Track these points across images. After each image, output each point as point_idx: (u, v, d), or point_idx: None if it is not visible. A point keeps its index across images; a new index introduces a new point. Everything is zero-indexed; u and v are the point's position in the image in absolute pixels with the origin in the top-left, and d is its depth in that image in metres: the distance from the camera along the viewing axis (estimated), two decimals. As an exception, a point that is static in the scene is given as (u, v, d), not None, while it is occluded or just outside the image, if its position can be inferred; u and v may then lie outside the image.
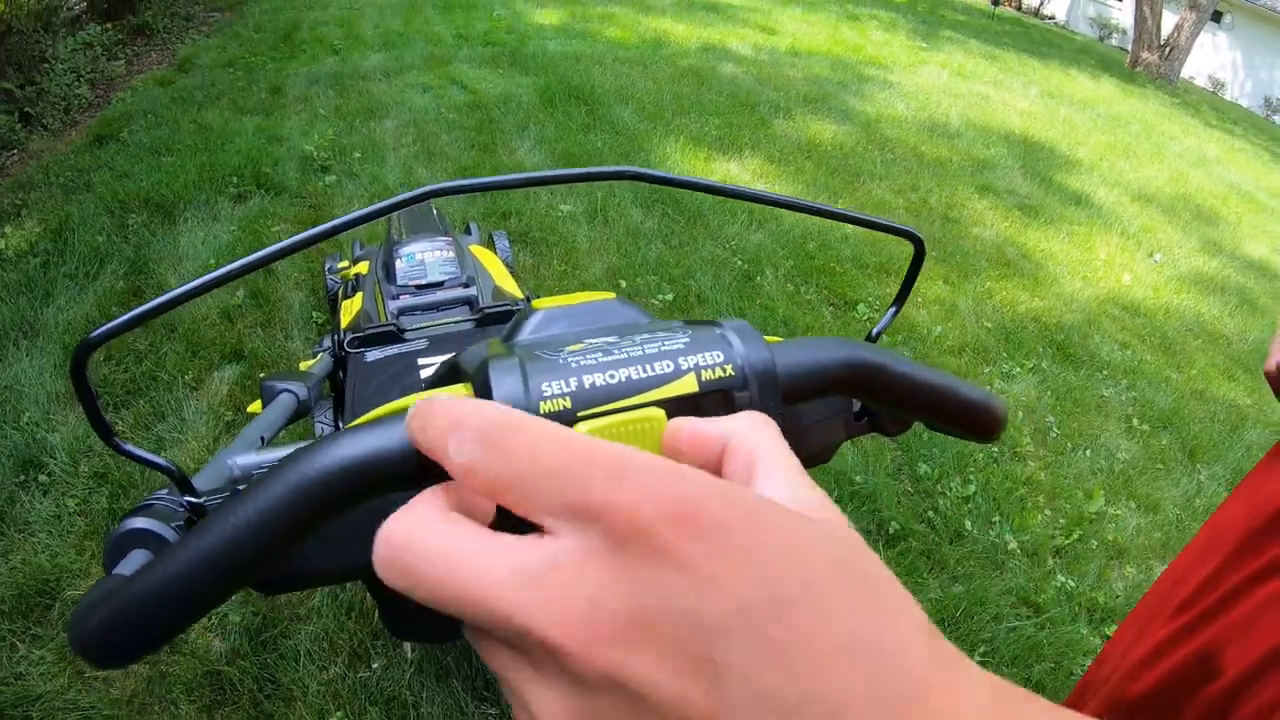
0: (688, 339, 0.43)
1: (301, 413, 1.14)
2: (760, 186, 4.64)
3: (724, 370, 0.42)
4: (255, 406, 1.31)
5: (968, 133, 7.29)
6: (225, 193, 4.17)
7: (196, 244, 3.69)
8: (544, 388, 0.39)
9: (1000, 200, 5.84)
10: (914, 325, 3.75)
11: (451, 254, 1.78)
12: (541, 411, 0.39)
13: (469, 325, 1.49)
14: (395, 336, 1.42)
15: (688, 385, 0.41)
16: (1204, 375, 4.44)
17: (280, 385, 1.17)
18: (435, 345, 1.40)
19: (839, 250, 4.14)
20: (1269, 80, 24.41)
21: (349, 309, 1.85)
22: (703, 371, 0.42)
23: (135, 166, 4.47)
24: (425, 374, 1.29)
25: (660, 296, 3.36)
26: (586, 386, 0.40)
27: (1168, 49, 17.69)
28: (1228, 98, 24.63)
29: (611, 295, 0.52)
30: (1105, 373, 4.02)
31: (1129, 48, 18.93)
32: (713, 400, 0.42)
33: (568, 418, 0.39)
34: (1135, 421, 3.69)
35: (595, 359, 0.41)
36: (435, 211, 2.20)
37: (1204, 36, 19.35)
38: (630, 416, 0.38)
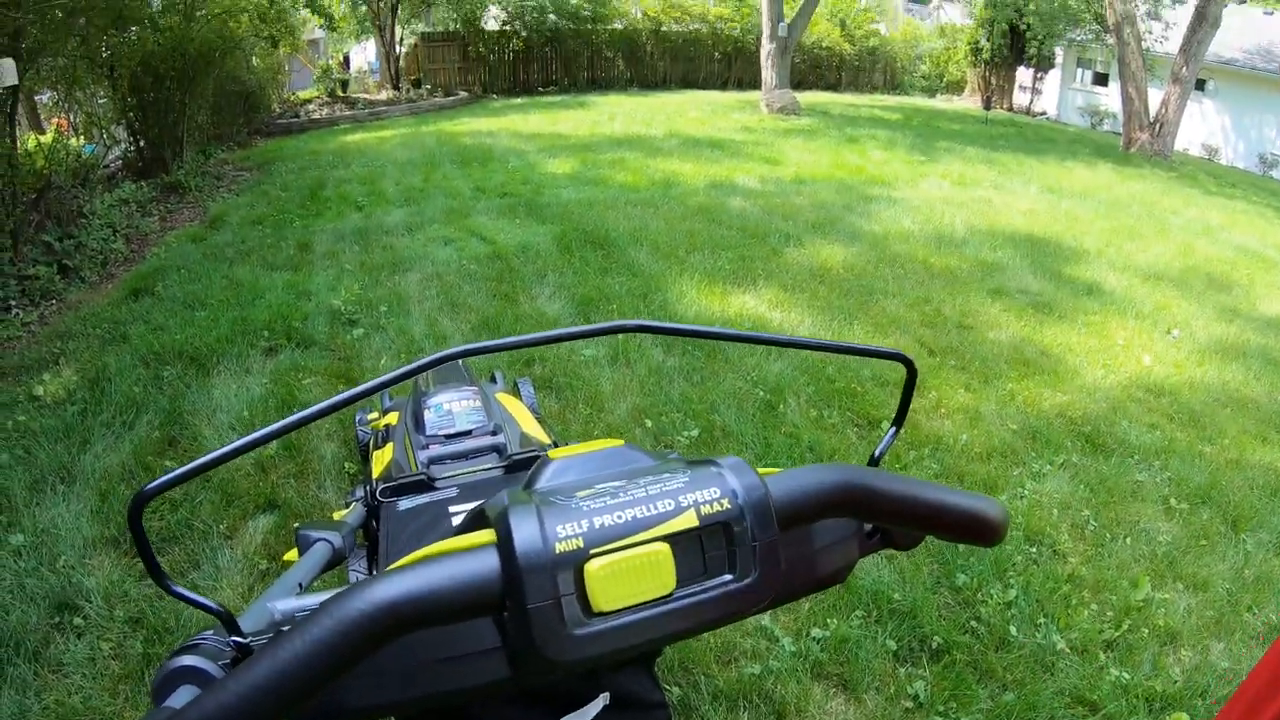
0: (687, 478, 0.49)
1: (336, 561, 1.16)
2: (776, 315, 4.75)
3: (721, 504, 0.48)
4: (291, 555, 1.32)
5: (974, 239, 7.40)
6: (257, 346, 4.30)
7: (230, 396, 3.78)
8: (559, 530, 0.45)
9: (1013, 301, 5.90)
10: (940, 436, 3.77)
11: (478, 403, 1.82)
12: (557, 552, 0.44)
13: (498, 472, 1.50)
14: (426, 485, 1.44)
15: (688, 520, 0.47)
16: (1237, 444, 4.38)
17: (315, 534, 1.19)
18: (466, 493, 1.41)
19: (858, 371, 4.20)
20: (1260, 138, 24.41)
21: (380, 459, 1.87)
22: (702, 507, 0.47)
23: (170, 320, 4.66)
24: (456, 521, 1.31)
25: (686, 433, 3.42)
26: (597, 527, 0.45)
27: (1158, 125, 17.87)
28: (1223, 162, 24.64)
29: (620, 442, 0.57)
30: (1137, 457, 3.99)
31: (1121, 130, 19.15)
32: (712, 532, 0.48)
33: (581, 556, 0.44)
34: (1173, 501, 3.65)
35: (604, 502, 0.46)
36: (460, 363, 2.21)
37: (1191, 106, 19.52)
38: (636, 553, 0.44)
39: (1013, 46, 25.78)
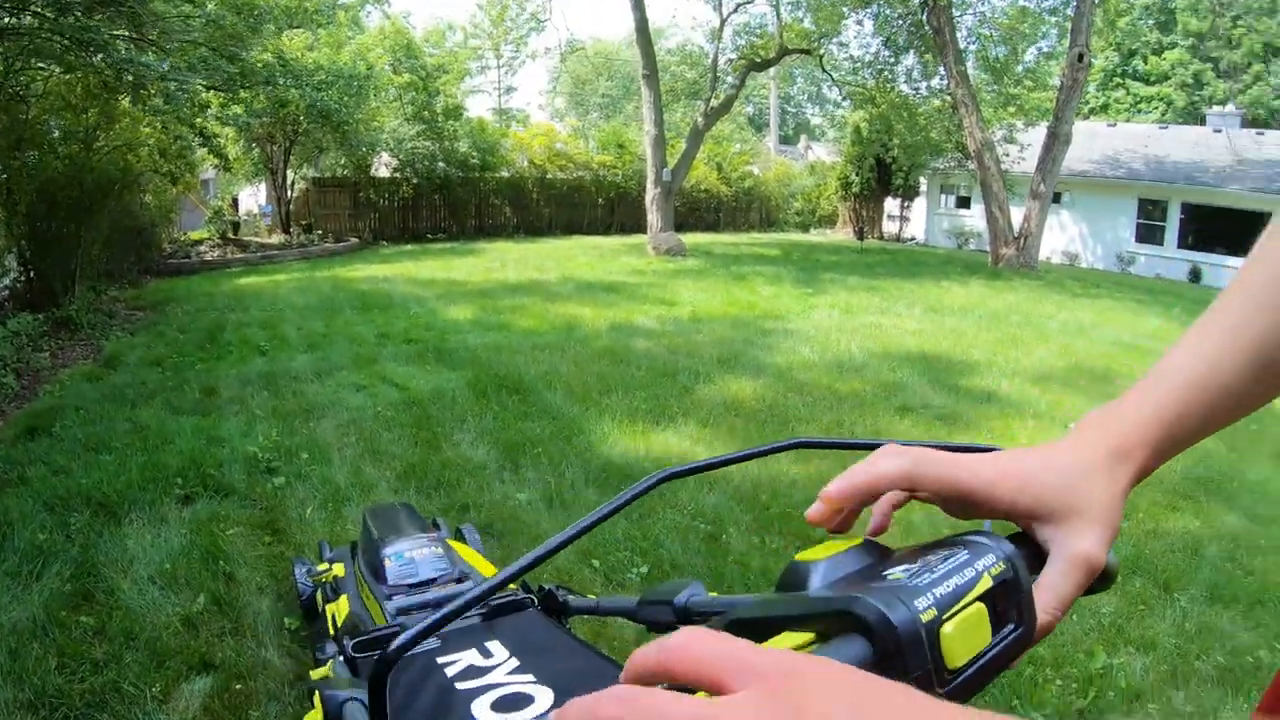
0: (966, 553, 0.54)
1: None
2: (700, 449, 4.96)
3: (1000, 567, 0.54)
4: (313, 716, 1.27)
5: (871, 362, 7.87)
6: (170, 494, 4.16)
7: (146, 547, 3.61)
8: (917, 603, 0.48)
9: (920, 416, 6.32)
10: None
11: (440, 550, 1.83)
12: (923, 621, 0.47)
13: (475, 619, 1.48)
14: None
15: (986, 583, 0.53)
16: (1151, 515, 4.79)
17: (343, 694, 1.19)
18: (449, 643, 1.38)
19: (790, 495, 4.42)
20: (1115, 239, 26.78)
21: (336, 612, 1.87)
22: (991, 570, 0.53)
23: (72, 463, 4.50)
24: (450, 671, 1.29)
25: (636, 569, 3.53)
26: (939, 596, 0.49)
27: (1023, 239, 19.33)
28: (1084, 265, 26.62)
29: (859, 540, 0.59)
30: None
31: (988, 248, 20.55)
32: (998, 593, 0.53)
33: (937, 623, 0.48)
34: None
35: (926, 578, 0.50)
36: (408, 510, 2.22)
37: (1050, 218, 21.25)
38: (968, 612, 0.50)
39: (880, 178, 27.67)
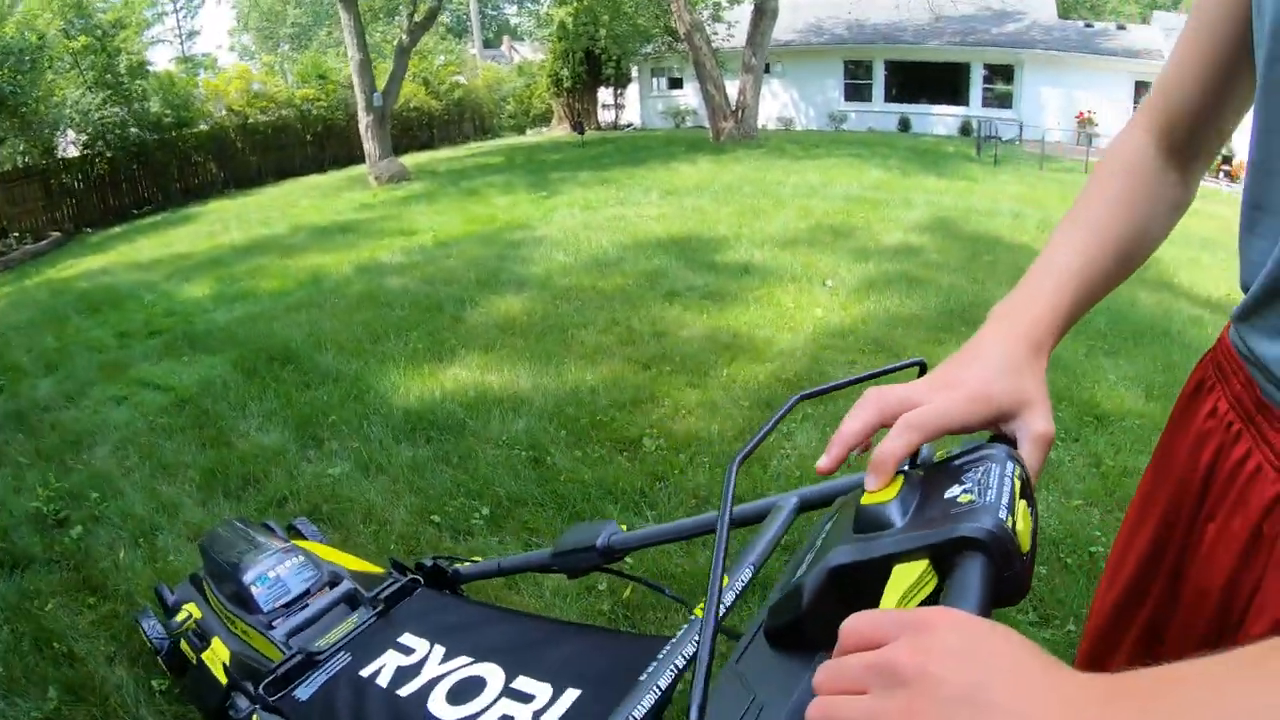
0: (995, 465, 0.63)
1: None
2: (493, 378, 4.78)
3: (1017, 468, 0.63)
4: None
5: (627, 255, 7.92)
6: None
7: None
8: (1000, 515, 0.56)
9: (687, 300, 6.44)
10: (696, 434, 4.05)
11: (301, 557, 1.72)
12: (1007, 526, 0.55)
13: (371, 617, 1.44)
14: (310, 663, 1.35)
15: (1017, 483, 0.61)
16: (921, 351, 5.09)
17: None
18: (360, 654, 1.34)
19: (593, 403, 4.40)
20: (825, 100, 28.51)
21: (214, 659, 1.67)
22: (1014, 474, 0.62)
23: None
24: (382, 681, 1.26)
25: (479, 514, 3.37)
26: (1006, 504, 0.57)
27: (740, 112, 19.99)
28: (799, 128, 27.99)
29: (899, 479, 0.66)
30: (853, 394, 4.52)
31: (705, 124, 21.13)
32: (1024, 484, 0.62)
33: (1012, 524, 0.56)
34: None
35: (990, 495, 0.59)
36: (240, 523, 2.03)
37: (763, 88, 22.03)
38: (1020, 506, 0.58)
39: (590, 70, 27.61)
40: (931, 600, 0.56)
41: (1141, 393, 4.60)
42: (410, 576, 1.55)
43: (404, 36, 18.01)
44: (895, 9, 28.82)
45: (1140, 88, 27.19)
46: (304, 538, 2.24)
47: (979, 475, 0.61)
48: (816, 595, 0.62)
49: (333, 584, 1.65)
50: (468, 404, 4.38)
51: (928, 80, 28.00)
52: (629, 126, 30.16)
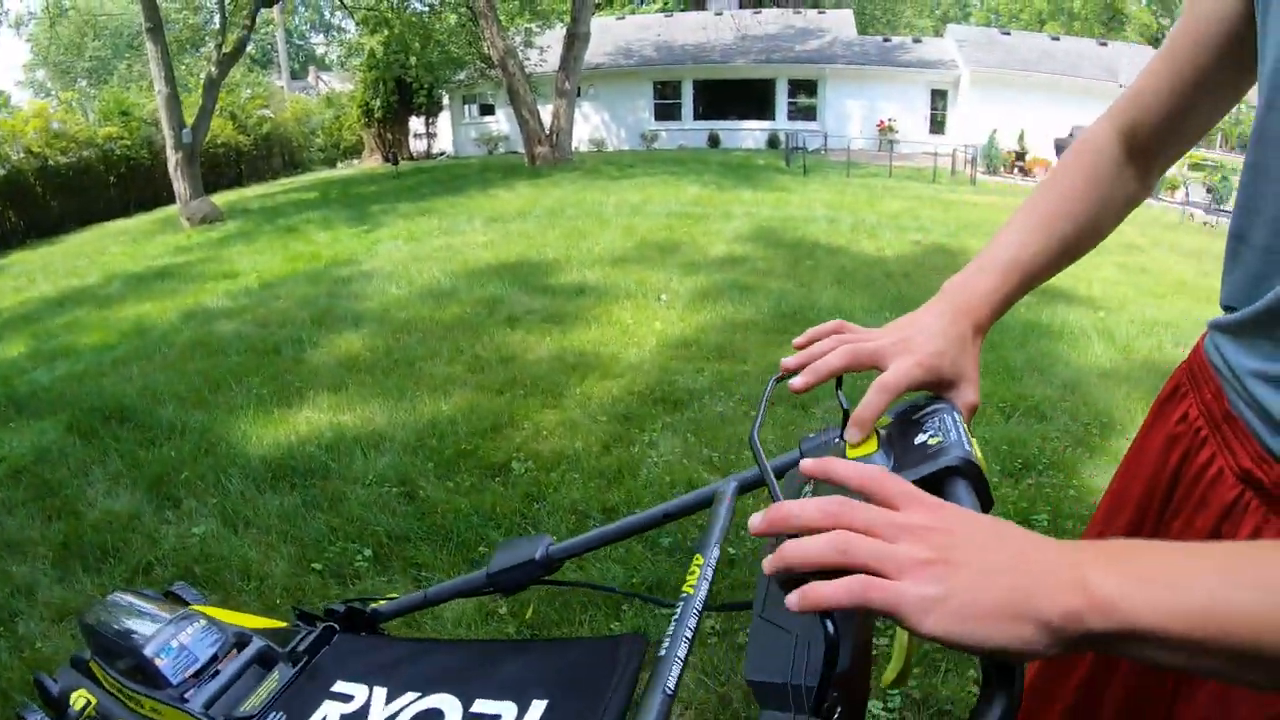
0: (946, 414, 0.78)
1: None
2: (348, 418, 4.67)
3: (960, 416, 0.79)
4: None
5: (460, 283, 7.92)
6: None
7: None
8: (969, 449, 0.70)
9: (529, 323, 6.53)
10: (562, 453, 4.12)
11: (203, 622, 1.58)
12: (976, 456, 0.70)
13: (295, 673, 1.37)
14: None
15: (964, 425, 0.77)
16: (763, 355, 5.48)
17: None
18: (294, 709, 1.27)
19: (455, 433, 4.38)
20: (636, 121, 29.21)
21: None
22: (959, 419, 0.77)
23: None
24: None
25: (362, 555, 3.26)
26: (967, 439, 0.72)
27: (554, 136, 20.19)
28: (611, 149, 28.53)
29: (875, 438, 0.80)
30: (705, 397, 4.73)
31: (519, 150, 21.28)
32: (969, 427, 0.79)
33: (975, 455, 0.71)
34: (748, 409, 4.41)
35: (954, 434, 0.73)
36: (124, 595, 1.81)
37: (576, 111, 22.40)
38: (974, 439, 0.73)
39: (402, 99, 27.23)
40: None
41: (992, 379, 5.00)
42: (324, 624, 1.47)
43: (213, 68, 17.01)
44: (703, 29, 30.10)
45: (936, 95, 29.39)
46: (187, 603, 2.11)
47: (937, 423, 0.76)
48: None
49: (240, 645, 1.53)
50: (327, 446, 4.28)
51: (735, 97, 29.27)
52: (442, 155, 29.95)
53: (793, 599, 0.57)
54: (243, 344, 6.18)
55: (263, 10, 19.03)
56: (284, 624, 1.65)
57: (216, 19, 17.92)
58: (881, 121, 28.65)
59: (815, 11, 33.61)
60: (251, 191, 21.71)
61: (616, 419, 4.55)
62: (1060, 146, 24.23)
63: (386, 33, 22.47)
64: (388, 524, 3.46)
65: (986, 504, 0.69)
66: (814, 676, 0.64)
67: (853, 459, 0.76)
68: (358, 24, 24.38)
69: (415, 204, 14.47)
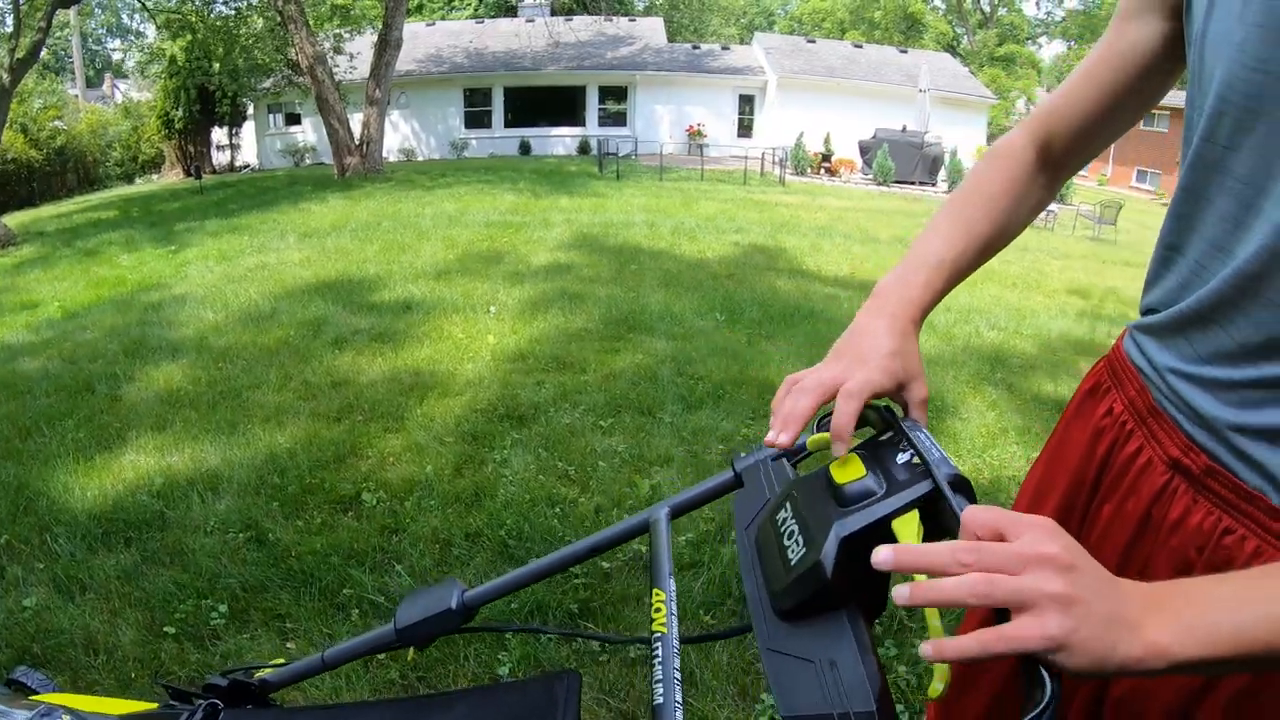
0: (918, 432, 0.80)
1: None
2: (178, 459, 4.34)
3: (924, 432, 0.81)
4: None
5: (280, 305, 7.55)
6: None
7: None
8: (952, 464, 0.73)
9: (357, 343, 6.30)
10: (413, 479, 3.99)
11: (65, 716, 1.43)
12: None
13: None
14: None
15: (931, 438, 0.79)
16: (602, 362, 5.50)
17: None
18: None
19: (296, 468, 4.15)
20: (447, 129, 28.83)
21: None
22: (927, 433, 0.81)
23: None
24: None
25: (217, 611, 2.96)
26: (947, 455, 0.76)
27: (365, 146, 19.62)
28: (421, 159, 28.07)
29: (861, 463, 0.79)
30: (553, 409, 4.71)
31: (327, 161, 20.60)
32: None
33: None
34: (602, 421, 4.41)
35: (935, 453, 0.75)
36: None
37: (386, 120, 21.86)
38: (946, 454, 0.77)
39: (204, 109, 25.85)
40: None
41: (804, 365, 5.16)
42: (205, 702, 1.28)
43: (4, 75, 15.38)
44: (515, 37, 30.04)
45: (744, 101, 30.44)
46: (35, 691, 1.89)
47: (916, 441, 0.78)
48: (837, 564, 0.72)
49: None
50: (158, 492, 3.91)
51: (546, 104, 29.36)
52: (246, 168, 28.61)
53: (927, 649, 0.63)
54: (51, 383, 5.66)
55: (59, 12, 17.51)
56: (154, 705, 1.47)
57: (10, 20, 16.23)
58: (691, 126, 29.38)
59: (626, 19, 34.22)
60: (46, 211, 19.90)
61: (464, 439, 4.47)
62: (864, 148, 25.58)
63: (189, 37, 21.23)
64: (240, 574, 3.20)
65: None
66: (853, 700, 0.66)
67: (842, 484, 0.77)
68: (159, 28, 22.64)
69: (224, 221, 13.69)
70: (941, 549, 0.65)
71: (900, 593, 0.63)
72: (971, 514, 0.67)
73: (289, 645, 2.79)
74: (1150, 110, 1.11)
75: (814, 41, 34.89)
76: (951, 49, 47.46)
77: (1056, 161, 1.14)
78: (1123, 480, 1.04)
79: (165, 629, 2.91)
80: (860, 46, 34.93)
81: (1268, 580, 0.65)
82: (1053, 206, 20.96)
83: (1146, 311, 1.04)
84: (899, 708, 2.44)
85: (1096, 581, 0.63)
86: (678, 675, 0.79)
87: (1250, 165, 0.83)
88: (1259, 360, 0.85)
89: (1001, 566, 0.62)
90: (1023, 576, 0.61)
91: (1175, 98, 1.00)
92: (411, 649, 1.16)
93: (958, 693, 1.24)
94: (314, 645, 2.72)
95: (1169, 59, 1.00)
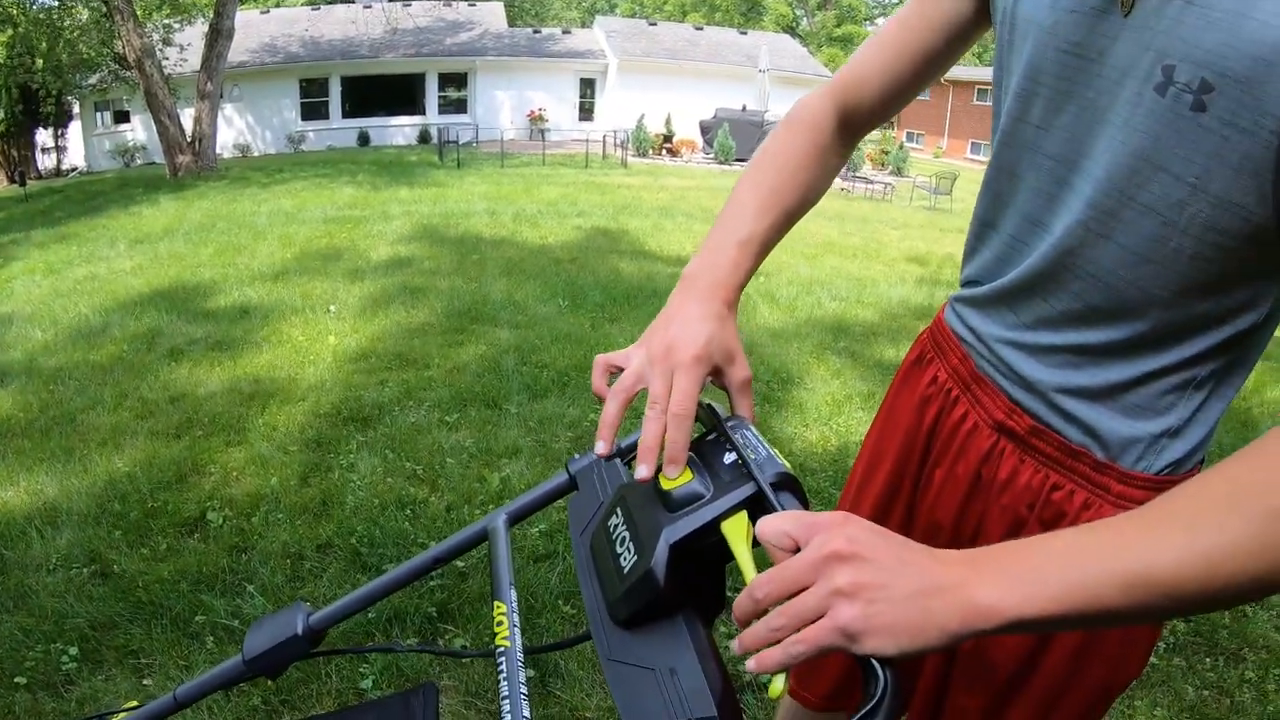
0: (742, 429, 0.80)
1: None
2: (8, 493, 4.17)
3: (750, 424, 0.82)
4: None
5: (113, 318, 7.18)
6: None
7: None
8: (779, 461, 0.74)
9: (194, 354, 6.07)
10: (259, 494, 3.95)
11: None
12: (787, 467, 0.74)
13: None
14: None
15: (756, 431, 0.81)
16: (444, 356, 5.54)
17: None
18: None
19: (135, 490, 4.03)
20: (283, 122, 27.85)
21: None
22: (752, 428, 0.81)
23: None
24: None
25: (68, 655, 2.83)
26: (772, 450, 0.77)
27: (197, 143, 18.75)
28: (257, 154, 27.00)
29: (688, 470, 0.78)
30: (394, 410, 4.69)
31: (160, 160, 19.63)
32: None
33: None
34: (530, 426, 4.44)
35: (762, 450, 0.76)
36: None
37: (219, 115, 20.93)
38: (773, 446, 0.77)
39: (27, 110, 24.19)
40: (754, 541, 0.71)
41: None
42: None
43: None
44: (352, 24, 29.11)
45: (585, 84, 30.53)
46: None
47: (740, 440, 0.78)
48: (668, 570, 0.72)
49: None
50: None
51: (385, 92, 28.70)
52: (73, 171, 26.88)
53: (751, 665, 0.63)
54: None
55: None
56: None
57: None
58: (532, 111, 29.24)
59: (465, 4, 33.45)
60: None
61: (308, 446, 4.42)
62: (705, 128, 26.02)
63: (10, 32, 19.68)
64: (87, 612, 3.06)
65: (806, 502, 0.72)
66: (695, 706, 0.67)
67: (669, 489, 0.77)
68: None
69: (51, 230, 12.82)
70: (743, 600, 0.66)
71: (749, 665, 0.64)
72: (764, 529, 0.68)
73: (145, 682, 2.72)
74: (934, 83, 1.15)
75: (655, 24, 35.18)
76: (791, 30, 48.65)
77: (856, 128, 1.14)
78: (951, 444, 1.08)
79: (16, 680, 2.76)
80: (701, 29, 35.38)
81: (1095, 534, 0.65)
82: (890, 179, 21.92)
83: (967, 284, 1.08)
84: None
85: (895, 561, 0.63)
86: (524, 690, 0.80)
87: (1062, 144, 0.87)
88: (1080, 326, 0.90)
89: (797, 581, 0.63)
90: (817, 583, 0.62)
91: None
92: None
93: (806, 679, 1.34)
94: (171, 680, 2.68)
95: (978, 26, 1.02)
